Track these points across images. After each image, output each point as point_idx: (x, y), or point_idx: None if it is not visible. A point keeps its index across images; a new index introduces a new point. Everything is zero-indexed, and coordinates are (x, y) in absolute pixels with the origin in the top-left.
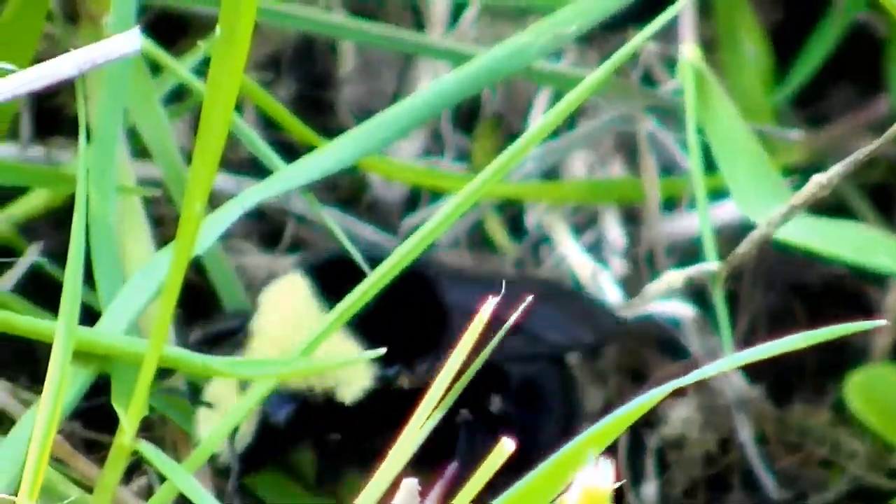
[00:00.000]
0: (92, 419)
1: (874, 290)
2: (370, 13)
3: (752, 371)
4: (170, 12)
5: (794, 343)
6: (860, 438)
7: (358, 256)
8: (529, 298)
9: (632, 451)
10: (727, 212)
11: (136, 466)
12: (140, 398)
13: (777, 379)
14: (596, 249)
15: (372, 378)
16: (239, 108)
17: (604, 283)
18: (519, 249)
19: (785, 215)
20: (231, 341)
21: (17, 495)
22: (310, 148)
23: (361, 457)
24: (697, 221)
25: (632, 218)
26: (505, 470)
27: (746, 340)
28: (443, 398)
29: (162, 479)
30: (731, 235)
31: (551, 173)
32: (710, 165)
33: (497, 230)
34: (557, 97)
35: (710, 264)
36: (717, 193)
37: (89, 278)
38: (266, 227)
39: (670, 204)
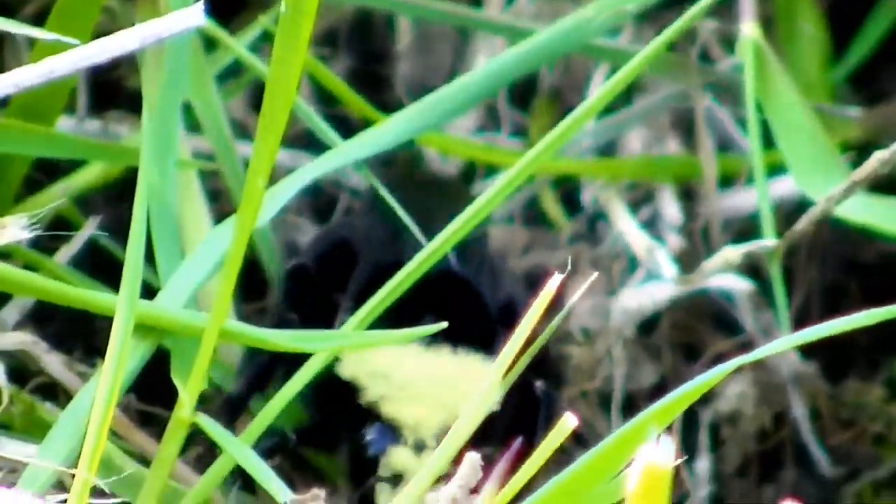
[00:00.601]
0: (145, 392)
1: None
2: None
3: (806, 347)
4: None
5: (852, 323)
6: None
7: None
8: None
9: (686, 427)
10: (784, 188)
11: (189, 439)
12: (200, 372)
13: (831, 355)
14: (652, 226)
15: None
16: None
17: (660, 259)
18: (574, 225)
19: (844, 192)
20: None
21: (75, 468)
22: (366, 123)
23: None
24: (753, 198)
25: (688, 194)
26: None
27: (800, 316)
28: (507, 373)
29: (217, 451)
30: (786, 212)
31: (608, 150)
32: (766, 142)
33: (552, 206)
34: (614, 74)
35: (768, 241)
36: (774, 170)
37: (147, 253)
38: (319, 201)
39: (726, 181)
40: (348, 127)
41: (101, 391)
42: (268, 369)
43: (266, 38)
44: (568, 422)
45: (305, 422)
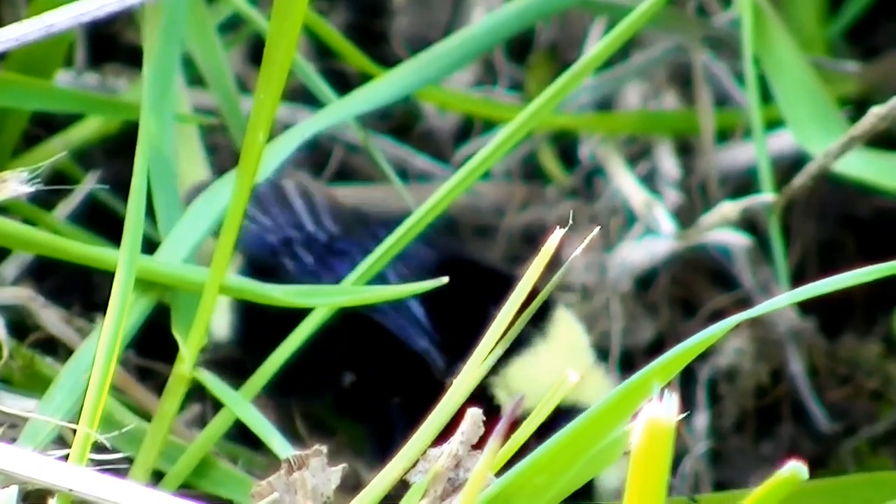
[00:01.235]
0: (145, 347)
1: None
2: None
3: (804, 303)
4: None
5: (850, 279)
6: None
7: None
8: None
9: (683, 382)
10: (782, 143)
11: (189, 396)
12: (200, 327)
13: (828, 311)
14: (650, 181)
15: None
16: None
17: (658, 215)
18: (572, 181)
19: (842, 147)
20: None
21: (76, 423)
22: (363, 77)
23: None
24: (751, 153)
25: (686, 149)
26: None
27: (798, 272)
28: (504, 335)
29: (217, 407)
30: (784, 167)
31: (605, 105)
32: (764, 97)
33: (550, 161)
34: (612, 28)
35: (766, 196)
36: (772, 125)
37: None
38: (316, 155)
39: (724, 135)
40: (346, 81)
41: (102, 346)
42: None
43: None
44: (568, 377)
45: None
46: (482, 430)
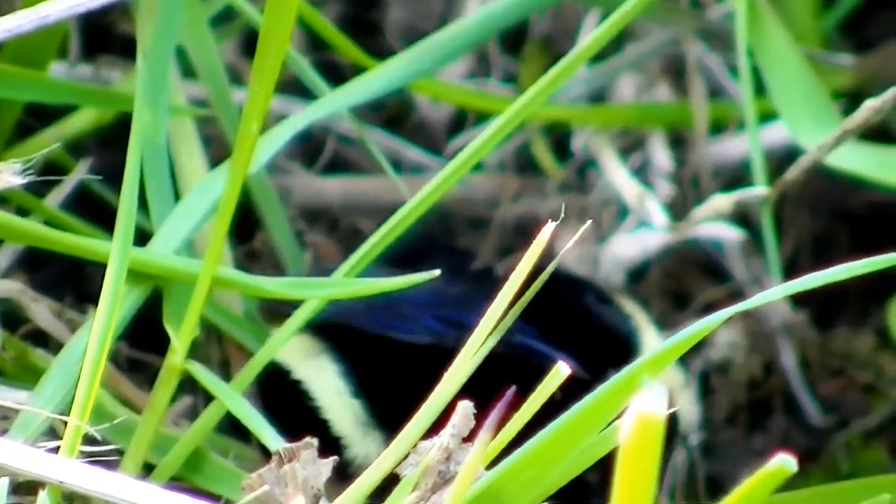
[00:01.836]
0: (137, 339)
1: None
2: None
3: (796, 296)
4: None
5: (843, 272)
6: None
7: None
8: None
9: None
10: (775, 136)
11: (180, 388)
12: (192, 318)
13: (820, 304)
14: (642, 173)
15: None
16: None
17: (650, 207)
18: (565, 173)
19: (836, 140)
20: None
21: (67, 415)
22: (357, 68)
23: None
24: (744, 146)
25: (679, 141)
26: None
27: (790, 265)
28: (497, 324)
29: (208, 399)
30: (777, 160)
31: (599, 96)
32: (758, 90)
33: (543, 153)
34: (606, 20)
35: (759, 189)
36: (765, 117)
37: (140, 198)
38: (309, 146)
39: (717, 128)
40: (339, 73)
41: (93, 338)
42: None
43: None
44: (561, 370)
45: None
46: (473, 423)
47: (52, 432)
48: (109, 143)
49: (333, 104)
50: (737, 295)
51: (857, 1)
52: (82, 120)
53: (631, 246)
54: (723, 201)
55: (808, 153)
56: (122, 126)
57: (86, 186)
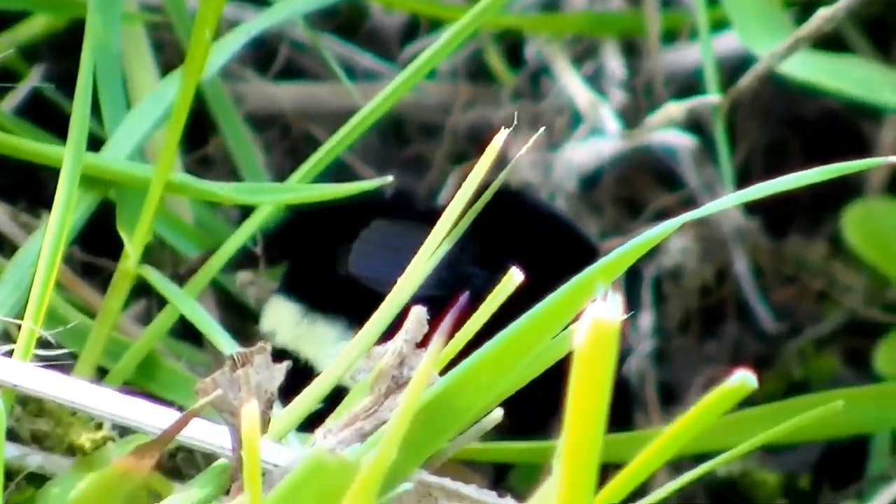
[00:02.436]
0: (90, 244)
1: (868, 124)
2: None
3: (749, 204)
4: None
5: (795, 180)
6: (856, 272)
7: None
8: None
9: (629, 282)
10: (728, 44)
11: (133, 293)
12: (145, 224)
13: (773, 211)
14: (595, 81)
15: None
16: None
17: (603, 115)
18: (518, 80)
19: (788, 49)
20: None
21: (21, 318)
22: None
23: None
24: (697, 54)
25: (631, 49)
26: None
27: (743, 172)
28: (451, 230)
29: (162, 304)
30: (730, 68)
31: (552, 5)
32: None
33: (496, 61)
34: None
35: (712, 97)
36: (718, 26)
37: (93, 105)
38: (262, 53)
39: (669, 36)
40: None
41: (47, 242)
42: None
43: None
44: (514, 277)
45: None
46: (426, 329)
47: (7, 336)
48: (63, 49)
49: (287, 10)
50: (689, 202)
51: None
52: (35, 26)
53: (584, 153)
54: (676, 109)
55: (761, 61)
56: (76, 33)
57: (39, 93)
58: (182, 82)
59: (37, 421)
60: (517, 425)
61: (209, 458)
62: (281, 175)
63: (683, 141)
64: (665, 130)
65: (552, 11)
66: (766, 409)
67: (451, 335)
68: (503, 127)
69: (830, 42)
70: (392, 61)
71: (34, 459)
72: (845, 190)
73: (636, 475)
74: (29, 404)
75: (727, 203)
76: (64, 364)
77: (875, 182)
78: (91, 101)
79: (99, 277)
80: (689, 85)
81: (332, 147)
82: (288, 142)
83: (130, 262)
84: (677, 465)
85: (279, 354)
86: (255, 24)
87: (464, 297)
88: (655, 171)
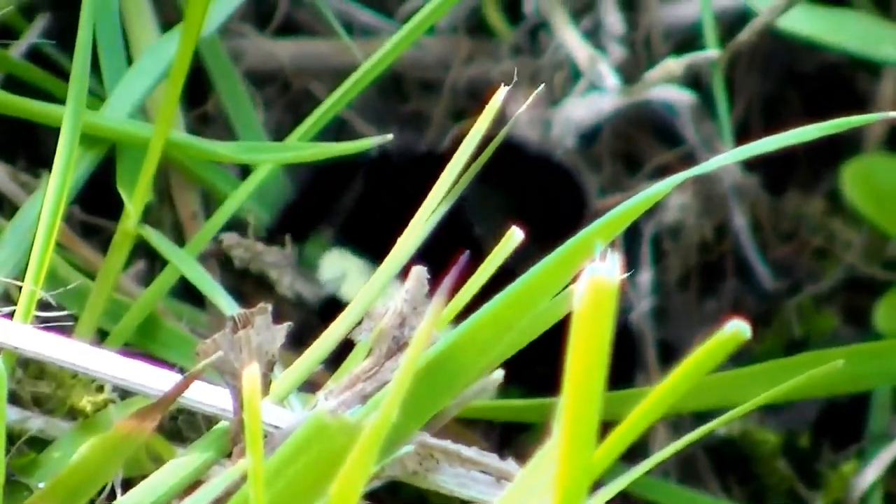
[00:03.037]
0: (90, 204)
1: (867, 79)
2: None
3: (747, 160)
4: None
5: (794, 137)
6: (855, 228)
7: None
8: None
9: (628, 238)
10: None
11: (134, 253)
12: (145, 183)
13: (772, 167)
14: (594, 36)
15: None
16: None
17: (602, 70)
18: (517, 35)
19: (788, 2)
20: None
21: (21, 280)
22: None
23: None
24: (695, 8)
25: (630, 4)
26: None
27: (742, 127)
28: (451, 189)
29: (163, 264)
30: (729, 22)
31: None
32: None
33: (495, 16)
34: None
35: (711, 52)
36: None
37: (92, 62)
38: (261, 9)
39: None
40: None
41: (47, 203)
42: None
43: None
44: (514, 235)
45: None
46: (427, 289)
47: (7, 298)
48: (61, 5)
49: None
50: (688, 158)
51: None
52: None
53: (583, 109)
54: (674, 64)
55: (760, 15)
56: None
57: (39, 50)
58: (181, 39)
59: (38, 384)
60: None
61: (210, 420)
62: (280, 132)
63: (682, 97)
64: (664, 86)
65: None
66: (766, 366)
67: (451, 295)
68: (502, 83)
69: None
70: (391, 17)
71: (35, 423)
72: (844, 145)
73: (634, 429)
74: (30, 367)
75: (726, 159)
76: (64, 325)
77: (873, 137)
78: (91, 58)
79: (99, 237)
80: (687, 39)
81: (331, 104)
82: (287, 98)
83: (130, 222)
84: (677, 426)
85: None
86: None
87: (464, 257)
88: (654, 127)
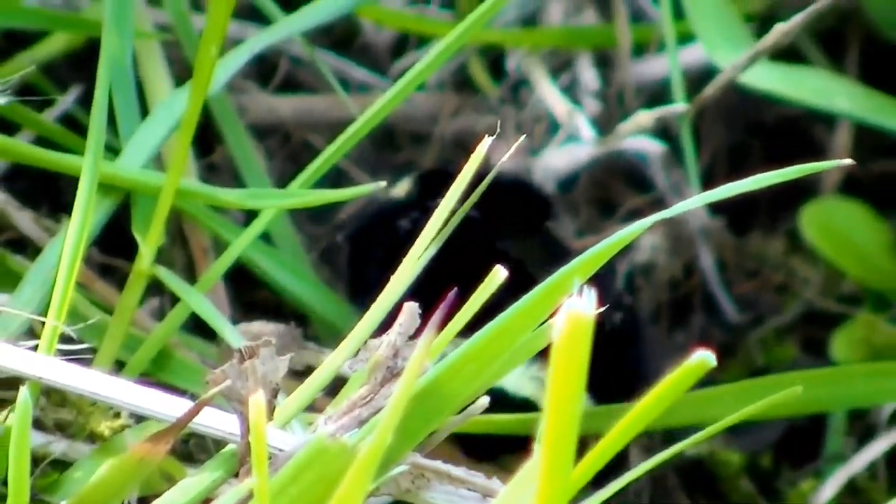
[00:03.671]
0: (108, 246)
1: (823, 130)
2: None
3: (713, 204)
4: None
5: (756, 182)
6: (813, 266)
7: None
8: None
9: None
10: (693, 56)
11: (148, 291)
12: (158, 227)
13: (736, 210)
14: (571, 91)
15: None
16: None
17: (578, 122)
18: (500, 91)
19: (749, 60)
20: None
21: (44, 316)
22: None
23: None
24: (665, 65)
25: (604, 62)
26: None
27: (708, 174)
28: (441, 230)
29: (174, 301)
30: (695, 78)
31: (530, 21)
32: (677, 13)
33: (480, 73)
34: None
35: (679, 105)
36: (684, 39)
37: (109, 117)
38: (264, 67)
39: (639, 49)
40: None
41: (68, 245)
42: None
43: None
44: (498, 274)
45: None
46: (419, 322)
47: (31, 332)
48: (80, 66)
49: (286, 28)
50: (659, 202)
51: None
52: (55, 44)
53: (561, 158)
54: (645, 117)
55: (724, 72)
56: (92, 50)
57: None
58: (190, 96)
59: (60, 411)
60: None
61: (219, 443)
62: (282, 180)
63: (653, 146)
64: (636, 136)
65: (531, 27)
66: (731, 387)
67: (441, 327)
68: (487, 134)
69: (788, 54)
70: (384, 74)
71: (58, 446)
72: (802, 190)
73: (609, 449)
74: (52, 395)
75: (694, 203)
76: (84, 357)
77: (829, 183)
78: (107, 113)
79: (116, 276)
80: (657, 94)
81: (329, 155)
82: (288, 149)
83: (145, 263)
84: (649, 447)
85: None
86: (257, 41)
87: (452, 293)
88: (627, 174)
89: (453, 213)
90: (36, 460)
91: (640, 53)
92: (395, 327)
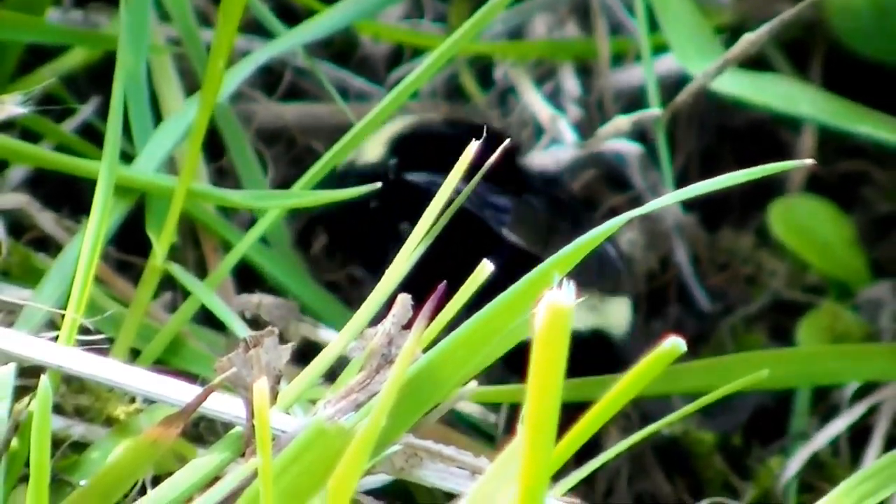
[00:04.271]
0: (124, 244)
1: (788, 133)
2: None
3: (687, 201)
4: None
5: (726, 181)
6: (780, 259)
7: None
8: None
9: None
10: (667, 65)
11: (161, 285)
12: (170, 226)
13: (708, 208)
14: (555, 98)
15: None
16: None
17: (561, 127)
18: (488, 99)
19: (719, 68)
20: None
21: (65, 310)
22: (308, 11)
23: None
24: (641, 74)
25: (585, 71)
26: None
27: (682, 175)
28: (433, 225)
29: (186, 295)
30: (669, 86)
31: (516, 34)
32: (652, 26)
33: (470, 82)
34: None
35: (654, 111)
36: (659, 49)
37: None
38: (269, 78)
39: (618, 59)
40: (293, 15)
41: (86, 243)
42: None
43: None
44: (485, 268)
45: None
46: (411, 313)
47: (52, 324)
48: (99, 78)
49: (289, 42)
50: (636, 201)
51: None
52: (75, 59)
53: (545, 160)
54: (623, 121)
55: (696, 80)
56: (110, 63)
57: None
58: (200, 105)
59: (79, 397)
60: None
61: (227, 426)
62: (286, 183)
63: (631, 149)
64: (615, 140)
65: (517, 39)
66: (704, 362)
67: (432, 318)
68: (475, 138)
69: (755, 62)
70: (380, 84)
71: (77, 430)
72: (770, 189)
73: (589, 428)
74: (72, 383)
75: (668, 201)
76: (102, 347)
77: (795, 182)
78: (123, 121)
79: (131, 273)
80: (634, 100)
81: (330, 158)
82: (292, 154)
83: (158, 260)
84: (627, 427)
85: None
86: (262, 53)
87: (441, 286)
88: (607, 175)
89: (446, 208)
90: (56, 443)
91: (618, 63)
92: (389, 318)
